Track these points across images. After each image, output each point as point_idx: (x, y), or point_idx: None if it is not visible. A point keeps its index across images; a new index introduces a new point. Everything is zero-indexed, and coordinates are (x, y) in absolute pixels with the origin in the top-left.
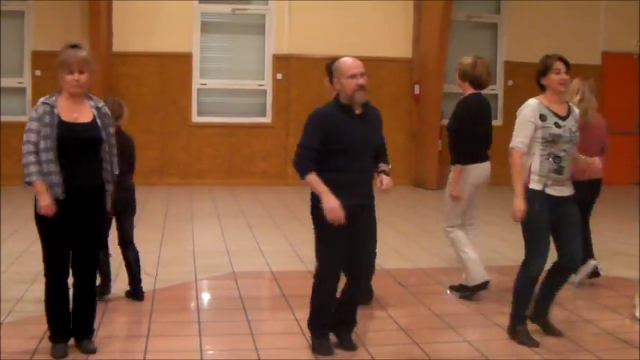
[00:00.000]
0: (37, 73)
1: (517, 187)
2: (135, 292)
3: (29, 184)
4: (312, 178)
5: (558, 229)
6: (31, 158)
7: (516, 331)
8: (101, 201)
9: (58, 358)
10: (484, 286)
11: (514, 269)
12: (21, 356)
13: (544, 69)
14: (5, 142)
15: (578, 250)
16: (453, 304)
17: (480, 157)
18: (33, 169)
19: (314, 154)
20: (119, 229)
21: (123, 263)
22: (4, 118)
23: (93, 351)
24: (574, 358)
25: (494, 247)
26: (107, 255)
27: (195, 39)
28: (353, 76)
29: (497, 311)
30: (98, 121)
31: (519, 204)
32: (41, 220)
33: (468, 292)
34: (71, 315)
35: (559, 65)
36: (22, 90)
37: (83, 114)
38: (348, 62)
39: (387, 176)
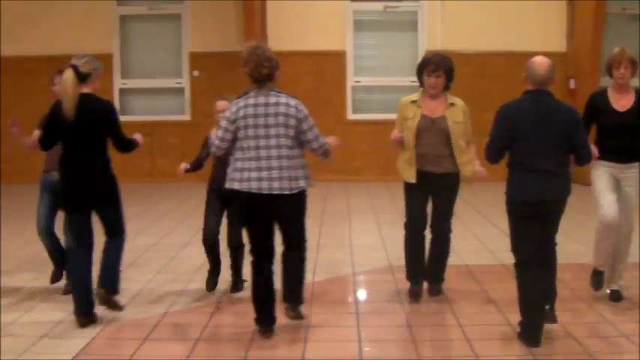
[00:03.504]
0: (195, 73)
1: None
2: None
3: None
4: None
5: None
6: None
7: None
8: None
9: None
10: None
11: None
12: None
13: None
14: (163, 141)
15: None
16: (604, 303)
17: (603, 154)
18: None
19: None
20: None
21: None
22: (163, 117)
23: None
24: None
25: None
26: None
27: (349, 37)
28: None
29: None
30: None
31: None
32: None
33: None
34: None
35: None
36: (181, 90)
37: None
38: None
39: None
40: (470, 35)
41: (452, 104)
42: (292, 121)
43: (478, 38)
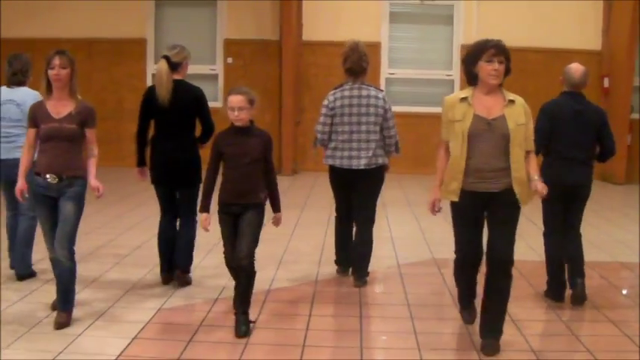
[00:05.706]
0: (229, 60)
1: None
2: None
3: None
4: None
5: None
6: None
7: None
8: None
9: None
10: None
11: None
12: None
13: None
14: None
15: None
16: None
17: None
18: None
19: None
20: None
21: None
22: None
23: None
24: None
25: None
26: None
27: (384, 29)
28: None
29: None
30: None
31: None
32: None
33: None
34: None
35: None
36: (215, 77)
37: None
38: None
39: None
40: (506, 31)
41: (511, 101)
42: (380, 111)
43: (514, 34)
